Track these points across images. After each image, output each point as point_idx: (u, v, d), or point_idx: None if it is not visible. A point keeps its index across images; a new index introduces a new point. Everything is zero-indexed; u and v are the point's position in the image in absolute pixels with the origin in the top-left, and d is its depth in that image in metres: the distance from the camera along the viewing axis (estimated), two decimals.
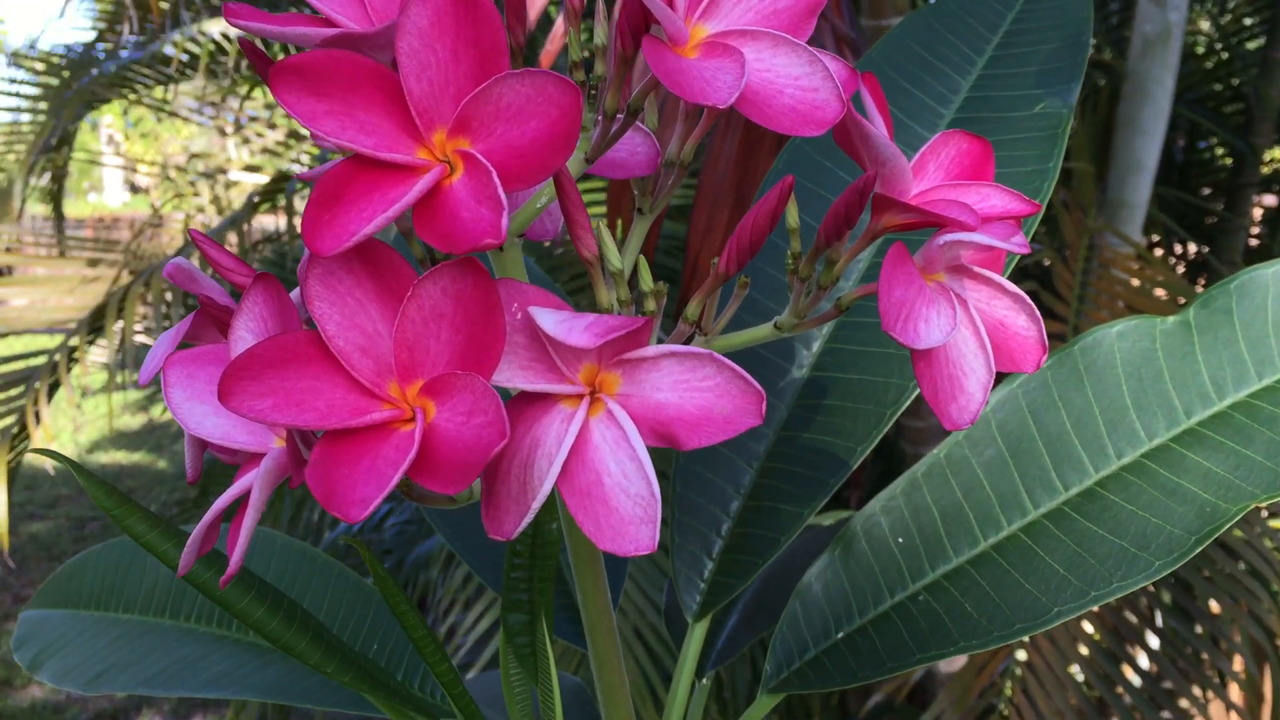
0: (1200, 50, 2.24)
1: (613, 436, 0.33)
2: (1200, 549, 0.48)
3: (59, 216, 2.44)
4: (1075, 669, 1.31)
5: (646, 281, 0.37)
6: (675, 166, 0.45)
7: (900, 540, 0.54)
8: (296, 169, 2.26)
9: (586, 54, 0.39)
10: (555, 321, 0.32)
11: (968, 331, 0.39)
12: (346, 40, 0.33)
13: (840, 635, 0.53)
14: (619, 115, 0.40)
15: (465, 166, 0.32)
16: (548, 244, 1.72)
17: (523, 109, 0.31)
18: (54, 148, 2.20)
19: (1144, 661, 1.40)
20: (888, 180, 0.39)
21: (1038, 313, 0.40)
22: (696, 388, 0.33)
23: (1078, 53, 0.60)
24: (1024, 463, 0.53)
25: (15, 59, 2.27)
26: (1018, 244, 0.37)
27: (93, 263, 2.13)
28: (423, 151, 0.33)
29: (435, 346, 0.33)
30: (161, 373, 0.39)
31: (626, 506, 0.32)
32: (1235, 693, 1.45)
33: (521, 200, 0.42)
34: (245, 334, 0.36)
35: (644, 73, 0.41)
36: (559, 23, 0.41)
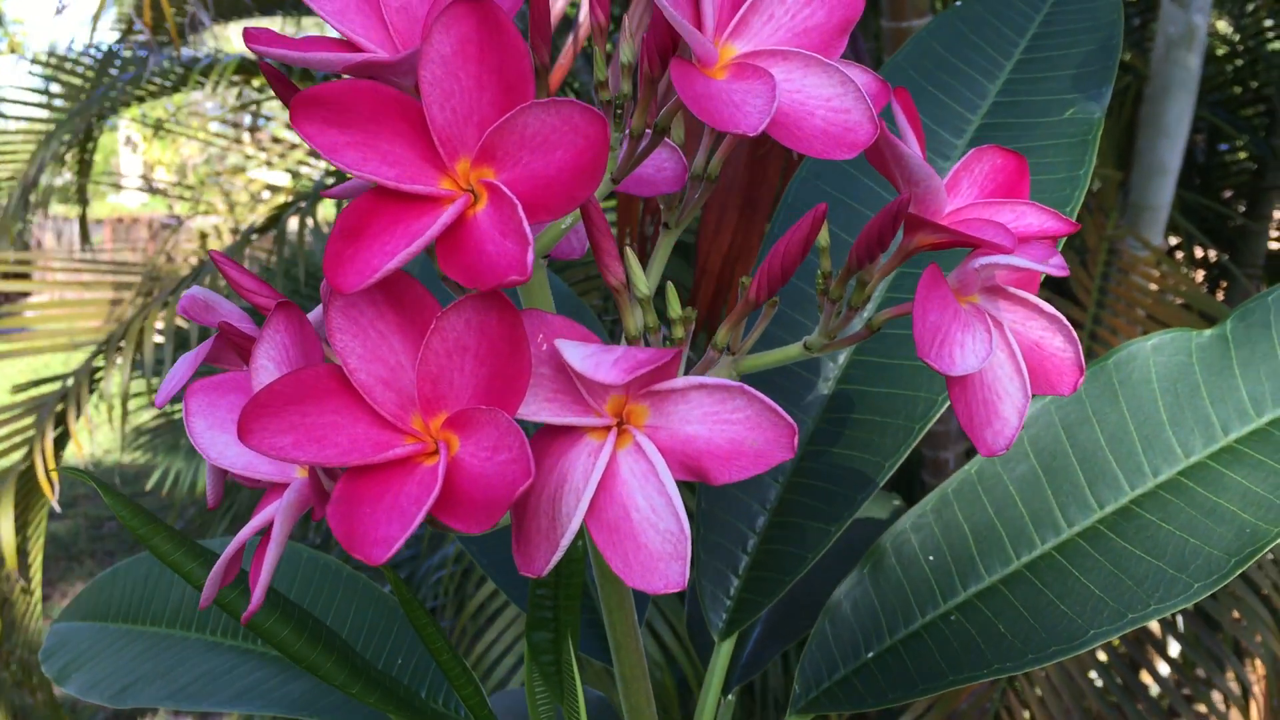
0: (1221, 52, 2.20)
1: (641, 470, 0.32)
2: (1240, 571, 0.46)
3: (85, 236, 2.43)
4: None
5: (675, 309, 0.36)
6: (702, 180, 0.44)
7: (931, 558, 0.53)
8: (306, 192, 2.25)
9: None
10: (582, 356, 0.31)
11: (1003, 355, 0.38)
12: (369, 68, 0.32)
13: (870, 655, 0.53)
14: (645, 134, 0.39)
15: (490, 198, 0.31)
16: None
17: (549, 139, 0.31)
18: (79, 153, 2.20)
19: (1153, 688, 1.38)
20: (921, 200, 0.38)
21: (1074, 334, 0.39)
22: (727, 420, 0.32)
23: (1108, 56, 0.58)
24: (1058, 480, 0.52)
25: (35, 61, 2.27)
26: (1055, 266, 0.36)
27: (116, 286, 2.13)
28: (446, 182, 0.32)
29: (459, 379, 0.32)
30: (183, 401, 0.38)
31: (655, 542, 0.32)
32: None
33: (546, 220, 0.41)
34: (267, 363, 0.36)
35: (671, 91, 0.40)
36: (569, 41, 0.40)
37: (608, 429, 0.33)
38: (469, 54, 0.31)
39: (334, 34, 0.36)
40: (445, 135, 0.31)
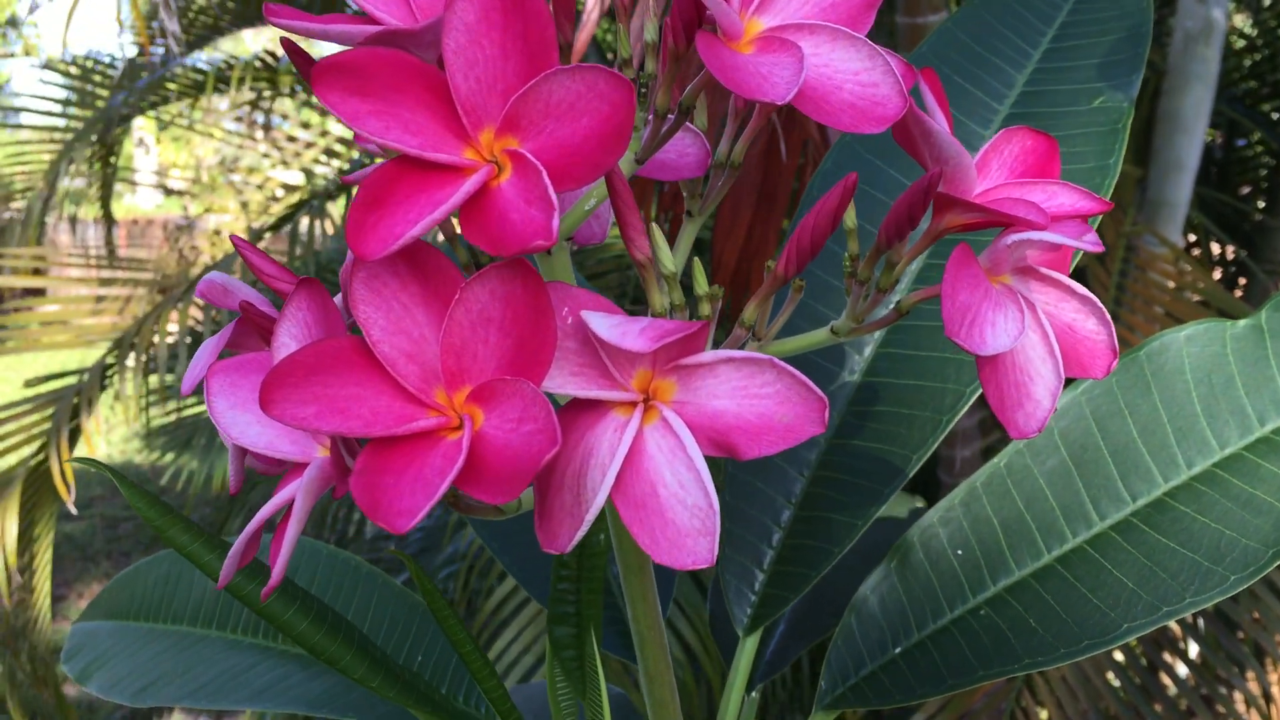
0: (1239, 46, 2.18)
1: (669, 445, 0.32)
2: (1278, 563, 0.45)
3: (110, 243, 2.45)
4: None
5: (702, 284, 0.36)
6: (726, 168, 0.44)
7: (959, 552, 0.52)
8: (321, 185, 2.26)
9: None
10: (609, 325, 0.30)
11: (1035, 336, 0.37)
12: (391, 37, 0.32)
13: (898, 651, 0.52)
14: (670, 114, 0.39)
15: (514, 166, 0.31)
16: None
17: (574, 105, 0.30)
18: (102, 157, 2.22)
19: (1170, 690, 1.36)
20: (951, 179, 0.38)
21: (1108, 316, 0.39)
22: (756, 394, 0.32)
23: (1138, 44, 0.57)
24: (1089, 472, 0.51)
25: (49, 65, 2.29)
26: (1090, 242, 0.36)
27: (126, 282, 2.15)
28: (470, 151, 0.31)
29: (483, 351, 0.32)
30: (204, 381, 0.38)
31: (684, 518, 0.31)
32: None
33: (570, 202, 0.41)
34: (289, 340, 0.35)
35: (695, 70, 0.40)
36: (590, 12, 0.39)
37: (634, 404, 0.32)
38: (493, 21, 0.31)
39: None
40: (469, 104, 0.31)
